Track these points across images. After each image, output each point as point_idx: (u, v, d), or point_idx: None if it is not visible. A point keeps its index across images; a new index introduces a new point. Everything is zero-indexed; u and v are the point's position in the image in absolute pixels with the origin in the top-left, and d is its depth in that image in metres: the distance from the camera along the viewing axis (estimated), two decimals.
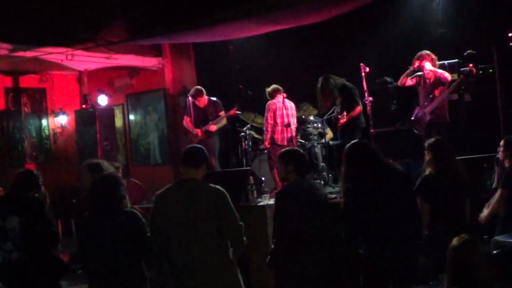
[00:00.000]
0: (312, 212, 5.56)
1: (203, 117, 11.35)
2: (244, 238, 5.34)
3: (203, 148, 5.67)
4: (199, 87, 11.52)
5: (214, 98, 11.53)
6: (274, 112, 10.62)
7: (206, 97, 11.40)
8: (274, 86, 10.86)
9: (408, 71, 9.51)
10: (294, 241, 5.50)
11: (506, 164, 6.93)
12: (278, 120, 10.60)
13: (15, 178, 6.42)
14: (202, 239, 5.12)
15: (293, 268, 5.52)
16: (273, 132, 10.64)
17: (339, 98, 10.45)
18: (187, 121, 11.49)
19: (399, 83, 9.74)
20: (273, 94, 10.77)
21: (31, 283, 5.93)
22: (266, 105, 10.73)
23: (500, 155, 7.06)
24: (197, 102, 11.30)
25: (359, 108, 10.15)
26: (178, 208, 5.17)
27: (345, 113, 10.16)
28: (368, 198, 5.30)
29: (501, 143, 7.01)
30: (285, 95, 10.41)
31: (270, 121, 10.66)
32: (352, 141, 5.85)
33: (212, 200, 5.18)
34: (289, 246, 5.52)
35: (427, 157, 6.46)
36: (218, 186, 5.32)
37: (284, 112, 10.49)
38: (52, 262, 6.09)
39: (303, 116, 11.16)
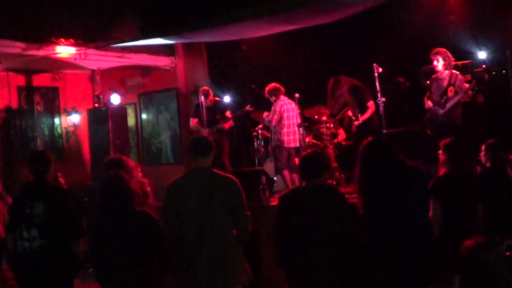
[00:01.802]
0: (307, 217, 5.42)
1: (211, 117, 11.36)
2: (250, 229, 5.55)
3: (208, 137, 5.80)
4: (206, 87, 11.56)
5: (217, 98, 11.60)
6: (282, 114, 10.56)
7: (212, 98, 11.44)
8: (275, 85, 10.80)
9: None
10: (290, 245, 5.49)
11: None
12: (286, 122, 10.54)
13: (32, 161, 6.41)
14: (216, 225, 5.28)
15: (297, 271, 5.50)
16: (280, 133, 10.59)
17: (351, 99, 10.43)
18: (194, 123, 11.47)
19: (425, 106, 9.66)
20: (277, 94, 10.70)
21: (45, 274, 5.93)
22: (273, 106, 10.65)
23: (482, 158, 7.09)
24: (205, 103, 11.30)
25: (371, 109, 10.13)
26: (194, 195, 5.32)
27: (359, 115, 10.14)
28: (383, 201, 5.25)
29: (483, 147, 7.06)
30: (297, 95, 10.32)
31: (275, 123, 10.62)
32: (368, 140, 5.74)
33: (226, 188, 5.38)
34: (287, 249, 5.52)
35: (442, 158, 6.41)
36: (230, 175, 5.53)
37: (291, 113, 10.45)
38: (70, 256, 6.10)
39: (316, 116, 11.12)
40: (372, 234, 5.38)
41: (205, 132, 11.18)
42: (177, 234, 5.33)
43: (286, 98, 10.60)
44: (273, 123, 10.67)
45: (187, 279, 5.37)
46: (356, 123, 10.17)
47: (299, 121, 10.34)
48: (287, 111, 10.55)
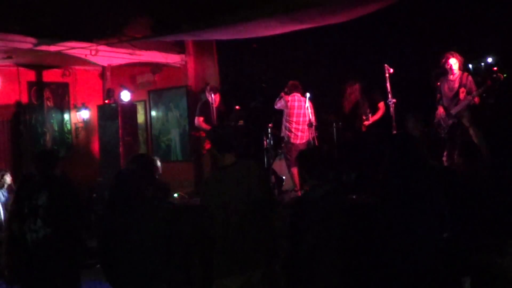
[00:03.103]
0: (323, 223, 5.36)
1: (218, 115, 11.35)
2: None
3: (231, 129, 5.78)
4: (214, 85, 11.56)
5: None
6: (287, 108, 10.58)
7: (219, 95, 11.46)
8: (293, 82, 10.80)
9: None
10: (303, 252, 5.43)
11: None
12: (293, 118, 10.55)
13: (36, 158, 6.48)
14: (258, 211, 5.17)
15: (304, 277, 5.46)
16: (287, 129, 10.60)
17: (362, 99, 10.41)
18: (200, 121, 11.39)
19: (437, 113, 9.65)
20: (291, 90, 10.68)
21: (50, 263, 5.94)
22: (284, 97, 10.68)
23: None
24: (213, 101, 11.30)
25: (382, 110, 10.12)
26: (237, 188, 5.18)
27: (370, 115, 10.13)
28: (400, 197, 5.22)
29: None
30: (308, 94, 10.31)
31: (275, 107, 10.84)
32: (395, 135, 5.70)
33: (259, 173, 5.35)
34: (300, 256, 5.46)
35: (457, 159, 6.38)
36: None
37: (301, 111, 10.44)
38: (76, 246, 6.11)
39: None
40: (386, 231, 5.34)
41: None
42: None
43: (299, 95, 10.56)
44: (275, 106, 10.88)
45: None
46: (366, 123, 10.15)
47: (308, 120, 10.30)
48: (291, 108, 10.54)
